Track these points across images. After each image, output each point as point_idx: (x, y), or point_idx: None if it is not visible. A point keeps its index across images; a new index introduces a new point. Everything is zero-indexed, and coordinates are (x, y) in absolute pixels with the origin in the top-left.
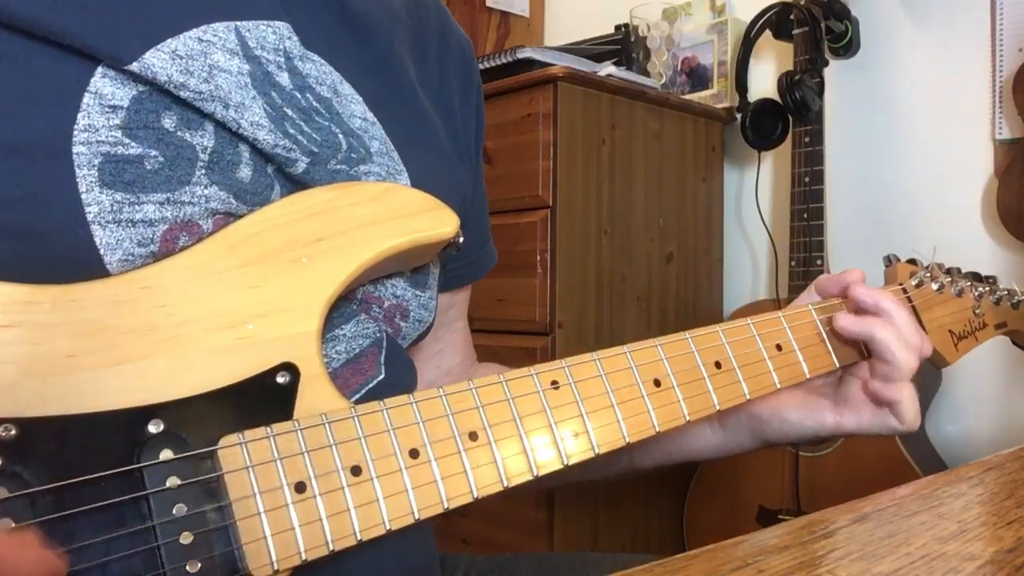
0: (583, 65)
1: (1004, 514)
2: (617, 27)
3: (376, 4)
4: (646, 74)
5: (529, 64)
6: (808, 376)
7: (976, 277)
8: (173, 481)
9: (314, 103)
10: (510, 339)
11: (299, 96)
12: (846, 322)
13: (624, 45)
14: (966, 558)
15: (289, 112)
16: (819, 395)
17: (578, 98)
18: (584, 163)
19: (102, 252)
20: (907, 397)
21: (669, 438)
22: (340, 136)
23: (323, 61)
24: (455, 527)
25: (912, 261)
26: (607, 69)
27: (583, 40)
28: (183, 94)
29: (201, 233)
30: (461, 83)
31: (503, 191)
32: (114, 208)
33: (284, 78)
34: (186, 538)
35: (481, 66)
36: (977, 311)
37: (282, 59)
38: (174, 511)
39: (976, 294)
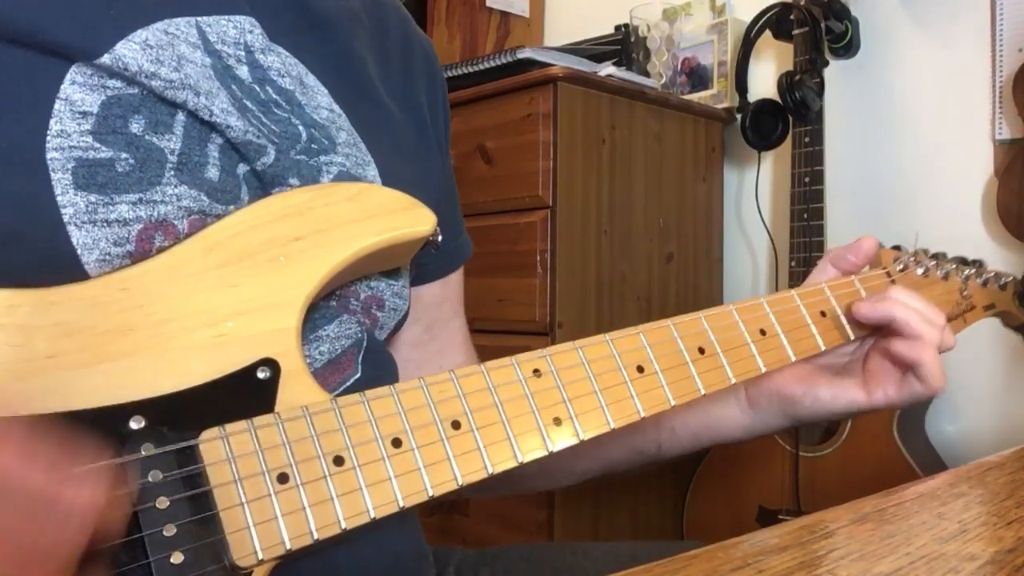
0: (583, 65)
1: (1004, 514)
2: (617, 27)
3: (335, 4)
4: (646, 74)
5: (529, 64)
6: (794, 359)
7: (962, 261)
8: (155, 475)
9: (273, 95)
10: (510, 339)
11: (258, 89)
12: (864, 309)
13: (624, 45)
14: (966, 558)
15: (249, 104)
16: (847, 373)
17: (578, 98)
18: (584, 163)
19: (79, 252)
20: (930, 358)
21: (697, 422)
22: (300, 127)
23: (288, 53)
24: (455, 526)
25: (896, 247)
26: (607, 69)
27: (583, 40)
28: (155, 83)
29: (177, 233)
30: (426, 82)
31: (503, 191)
32: (89, 209)
33: (244, 71)
34: (170, 530)
35: (481, 66)
36: (964, 293)
37: (242, 52)
38: (157, 504)
39: (963, 277)
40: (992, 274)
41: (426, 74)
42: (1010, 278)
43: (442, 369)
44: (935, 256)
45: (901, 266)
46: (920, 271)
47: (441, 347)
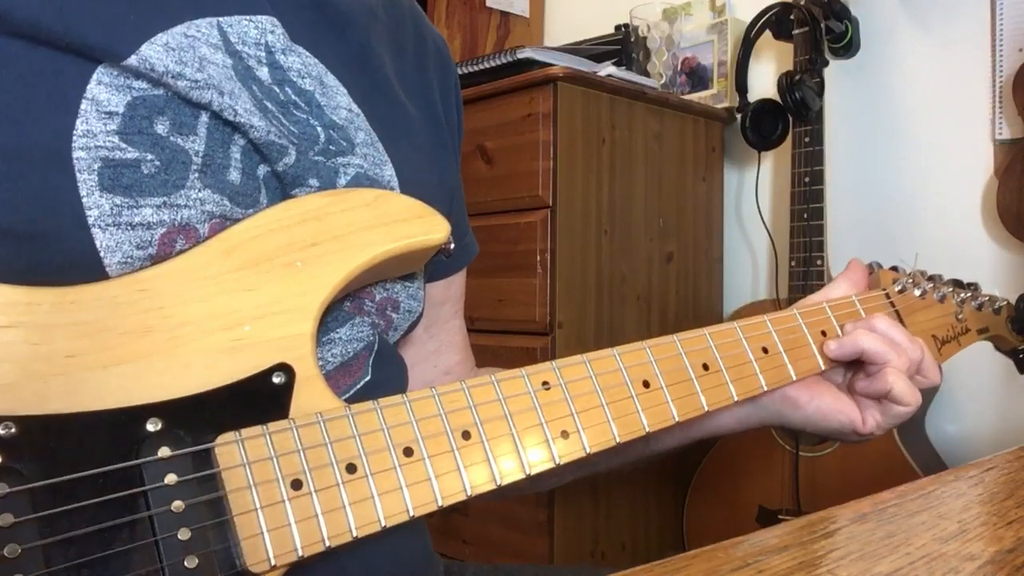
0: (583, 65)
1: (1004, 514)
2: (617, 27)
3: (354, 0)
4: (646, 74)
5: (529, 64)
6: (795, 378)
7: (958, 284)
8: (171, 478)
9: (293, 96)
10: (510, 339)
11: (277, 90)
12: (832, 349)
13: (624, 45)
14: (966, 558)
15: (269, 105)
16: (847, 393)
17: (578, 98)
18: (584, 163)
19: (102, 254)
20: (894, 381)
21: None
22: (319, 128)
23: (308, 53)
24: (455, 527)
25: (895, 268)
26: (607, 69)
27: (583, 40)
28: (180, 84)
29: (198, 237)
30: (440, 79)
31: (503, 191)
32: (114, 211)
33: (264, 72)
34: (184, 534)
35: (481, 66)
36: (959, 316)
37: (263, 53)
38: (172, 507)
39: (958, 300)
40: (987, 298)
41: (439, 70)
42: (1004, 302)
43: (436, 368)
44: (932, 278)
45: (899, 287)
46: (918, 292)
47: (439, 347)
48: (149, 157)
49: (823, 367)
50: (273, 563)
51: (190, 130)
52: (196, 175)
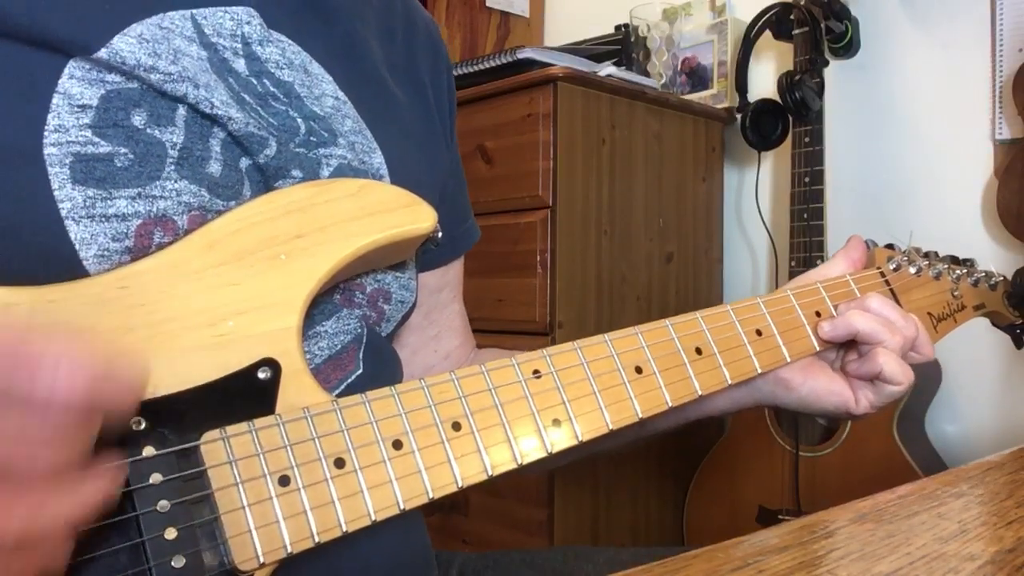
0: (583, 65)
1: (1004, 514)
2: (617, 27)
3: None
4: (646, 74)
5: (529, 64)
6: (789, 360)
7: (954, 260)
8: (156, 477)
9: (271, 88)
10: (510, 339)
11: (255, 82)
12: (826, 331)
13: (624, 45)
14: (966, 558)
15: (247, 97)
16: (840, 374)
17: (578, 98)
18: (584, 163)
19: (77, 247)
20: (885, 361)
21: None
22: (299, 120)
23: (291, 41)
24: (454, 527)
25: (890, 246)
26: (607, 69)
27: (583, 40)
28: (153, 77)
29: (176, 229)
30: (430, 63)
31: (503, 191)
32: (87, 204)
33: (240, 64)
34: (170, 534)
35: (481, 66)
36: (955, 293)
37: (239, 45)
38: (158, 507)
39: (954, 276)
40: (983, 274)
41: (429, 53)
42: (1000, 278)
43: (437, 354)
44: (927, 255)
45: (894, 265)
46: (913, 270)
47: (438, 332)
48: (123, 150)
49: (817, 348)
50: (262, 561)
51: (168, 122)
52: (172, 167)
